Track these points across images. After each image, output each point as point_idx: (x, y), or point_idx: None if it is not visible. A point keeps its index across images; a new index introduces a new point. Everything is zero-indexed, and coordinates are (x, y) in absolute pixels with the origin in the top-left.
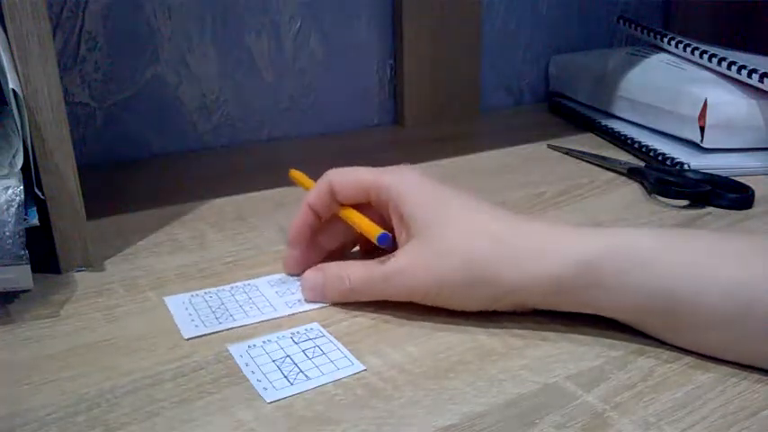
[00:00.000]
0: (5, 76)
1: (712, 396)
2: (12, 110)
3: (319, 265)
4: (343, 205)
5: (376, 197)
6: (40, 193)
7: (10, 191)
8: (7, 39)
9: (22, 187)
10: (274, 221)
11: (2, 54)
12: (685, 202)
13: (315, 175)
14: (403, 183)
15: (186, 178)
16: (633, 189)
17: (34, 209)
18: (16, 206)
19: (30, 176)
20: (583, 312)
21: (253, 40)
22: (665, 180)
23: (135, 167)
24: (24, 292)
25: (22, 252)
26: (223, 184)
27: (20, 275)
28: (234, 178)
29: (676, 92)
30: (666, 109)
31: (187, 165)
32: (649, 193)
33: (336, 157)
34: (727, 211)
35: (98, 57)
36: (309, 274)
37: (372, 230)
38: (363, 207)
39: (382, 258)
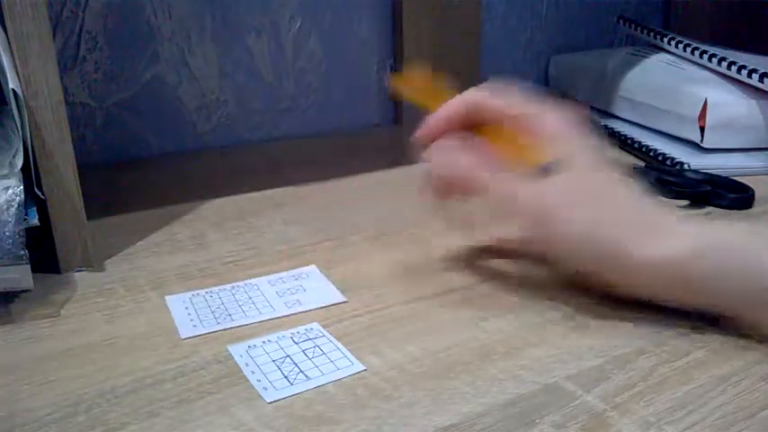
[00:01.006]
0: (5, 77)
1: (712, 396)
2: (12, 110)
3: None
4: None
5: (514, 124)
6: (40, 193)
7: (10, 191)
8: (7, 39)
9: (22, 187)
10: (274, 221)
11: (2, 54)
12: (685, 202)
13: (315, 175)
14: (558, 120)
15: (186, 178)
16: None
17: (34, 209)
18: (16, 206)
19: (30, 176)
20: (684, 307)
21: (253, 40)
22: (665, 180)
23: (135, 167)
24: (24, 291)
25: (22, 252)
26: (223, 184)
27: (20, 275)
28: (234, 178)
29: (676, 92)
30: (666, 109)
31: (187, 165)
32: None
33: (336, 158)
34: (728, 210)
35: (98, 57)
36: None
37: (535, 155)
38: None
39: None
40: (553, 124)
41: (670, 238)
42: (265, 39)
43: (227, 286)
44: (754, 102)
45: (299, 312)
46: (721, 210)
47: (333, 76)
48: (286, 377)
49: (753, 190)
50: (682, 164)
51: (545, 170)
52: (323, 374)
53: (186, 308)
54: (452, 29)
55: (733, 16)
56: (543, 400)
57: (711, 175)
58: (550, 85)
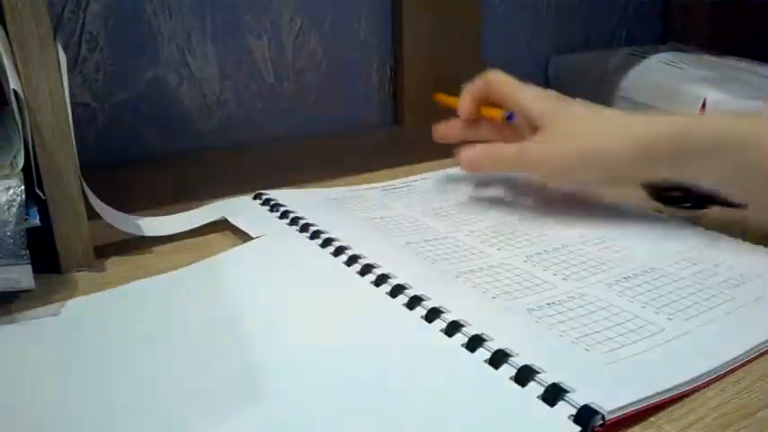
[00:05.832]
0: (6, 77)
1: (712, 395)
2: (13, 110)
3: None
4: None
5: (512, 106)
6: (41, 193)
7: (11, 191)
8: (8, 39)
9: (23, 187)
10: None
11: (2, 54)
12: (687, 204)
13: (315, 175)
14: (535, 99)
15: (186, 178)
16: (633, 188)
17: (35, 209)
18: (17, 206)
19: (31, 176)
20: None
21: (253, 40)
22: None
23: (135, 167)
24: (25, 291)
25: (23, 252)
26: (223, 184)
27: (21, 275)
28: (234, 178)
29: (675, 91)
30: (666, 108)
31: (187, 165)
32: (649, 192)
33: (336, 157)
34: (727, 209)
35: (99, 57)
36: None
37: (498, 112)
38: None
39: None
40: (530, 90)
41: (644, 127)
42: (265, 39)
43: None
44: (752, 101)
45: None
46: (721, 208)
47: (333, 76)
48: None
49: None
50: None
51: (510, 119)
52: None
53: None
54: (452, 29)
55: (732, 19)
56: None
57: None
58: (550, 85)
